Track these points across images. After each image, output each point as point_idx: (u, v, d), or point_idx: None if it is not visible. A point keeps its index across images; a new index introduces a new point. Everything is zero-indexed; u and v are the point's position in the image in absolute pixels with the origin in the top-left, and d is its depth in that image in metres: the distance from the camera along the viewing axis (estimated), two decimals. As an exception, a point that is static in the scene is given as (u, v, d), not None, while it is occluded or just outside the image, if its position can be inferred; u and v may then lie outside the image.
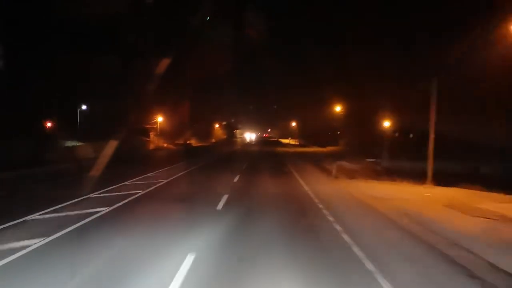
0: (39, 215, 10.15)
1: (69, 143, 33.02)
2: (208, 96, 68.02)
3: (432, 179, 18.69)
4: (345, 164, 24.43)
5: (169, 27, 40.47)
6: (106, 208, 11.13)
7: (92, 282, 6.02)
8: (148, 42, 40.77)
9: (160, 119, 52.11)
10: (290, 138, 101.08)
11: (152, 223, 9.80)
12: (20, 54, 33.47)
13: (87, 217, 9.93)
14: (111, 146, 25.33)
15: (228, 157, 39.28)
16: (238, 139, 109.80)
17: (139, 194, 13.83)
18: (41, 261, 6.78)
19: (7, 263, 6.60)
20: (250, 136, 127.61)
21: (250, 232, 9.04)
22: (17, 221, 9.42)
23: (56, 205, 11.28)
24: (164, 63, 35.85)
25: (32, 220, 9.67)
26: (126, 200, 12.47)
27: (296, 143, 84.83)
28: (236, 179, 18.93)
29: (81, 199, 12.48)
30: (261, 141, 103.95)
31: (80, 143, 33.43)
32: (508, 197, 14.94)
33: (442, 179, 19.24)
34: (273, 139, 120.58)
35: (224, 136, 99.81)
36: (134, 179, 17.69)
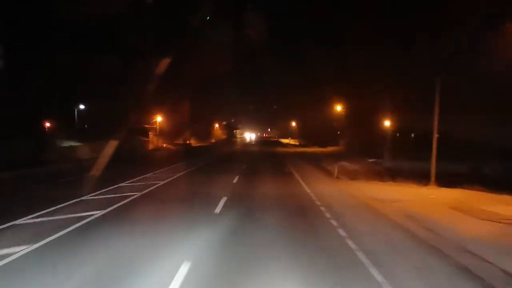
0: (30, 218, 9.60)
1: (67, 143, 32.51)
2: (208, 96, 67.47)
3: (435, 180, 18.13)
4: (346, 164, 23.84)
5: (169, 27, 40.08)
6: (99, 211, 10.55)
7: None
8: (148, 42, 40.41)
9: (159, 119, 51.49)
10: (290, 138, 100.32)
11: (145, 228, 9.14)
12: (20, 54, 33.21)
13: (77, 222, 9.35)
14: (110, 146, 24.91)
15: (228, 157, 38.69)
16: (238, 139, 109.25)
17: (135, 196, 13.26)
18: (19, 273, 6.24)
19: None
20: (250, 136, 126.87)
21: (249, 238, 8.45)
22: (5, 225, 8.90)
23: (49, 208, 10.76)
24: (164, 63, 35.43)
25: (21, 224, 9.11)
26: (121, 203, 11.87)
27: (296, 143, 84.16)
28: (235, 180, 18.35)
29: (75, 201, 11.94)
30: (261, 141, 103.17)
31: (78, 143, 32.91)
32: (514, 199, 14.39)
33: (445, 180, 18.70)
34: (273, 139, 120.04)
35: (224, 136, 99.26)
36: (131, 180, 17.13)
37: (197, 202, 12.61)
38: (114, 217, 10.11)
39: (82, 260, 6.78)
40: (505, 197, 14.61)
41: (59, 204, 11.28)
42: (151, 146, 48.34)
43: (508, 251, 7.88)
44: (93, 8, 29.08)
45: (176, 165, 25.61)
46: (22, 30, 34.71)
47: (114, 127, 28.03)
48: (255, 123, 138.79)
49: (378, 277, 6.23)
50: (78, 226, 9.00)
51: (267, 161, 33.35)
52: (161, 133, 52.75)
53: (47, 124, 38.21)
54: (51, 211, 10.50)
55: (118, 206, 11.40)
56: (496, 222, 10.38)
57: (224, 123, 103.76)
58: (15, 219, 9.36)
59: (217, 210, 11.22)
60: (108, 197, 12.81)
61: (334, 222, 10.01)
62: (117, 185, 15.55)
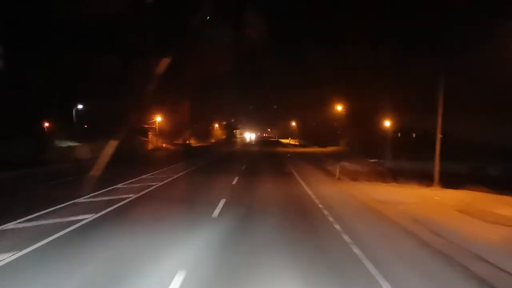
0: (19, 223, 9.04)
1: (64, 143, 32.02)
2: (208, 96, 66.93)
3: (438, 181, 17.61)
4: (347, 165, 23.26)
5: (169, 27, 39.67)
6: (92, 215, 9.95)
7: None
8: (148, 42, 39.94)
9: (158, 119, 50.87)
10: (290, 138, 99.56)
11: (136, 235, 8.42)
12: (20, 54, 32.88)
13: (67, 227, 8.72)
14: (109, 146, 24.43)
15: (227, 157, 38.07)
16: (238, 139, 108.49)
17: (130, 198, 12.64)
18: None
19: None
20: (250, 136, 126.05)
21: (248, 245, 7.90)
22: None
23: (40, 211, 10.20)
24: (164, 63, 34.98)
25: (11, 229, 8.56)
26: (115, 206, 11.23)
27: (296, 143, 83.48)
28: (234, 181, 17.70)
29: (68, 204, 11.33)
30: (261, 141, 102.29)
31: (77, 144, 32.42)
32: (522, 201, 13.84)
33: (448, 181, 18.18)
34: (273, 139, 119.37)
35: (224, 136, 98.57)
36: (127, 181, 16.52)
37: (195, 205, 11.95)
38: (104, 222, 9.47)
39: (69, 270, 6.25)
40: (511, 199, 14.07)
41: (50, 207, 10.69)
42: (150, 146, 47.75)
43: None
44: (93, 8, 28.83)
45: (174, 165, 25.03)
46: (22, 30, 34.40)
47: (113, 127, 27.59)
48: (255, 123, 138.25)
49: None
50: (64, 233, 8.29)
51: (267, 161, 32.76)
52: (161, 133, 52.12)
53: (46, 124, 37.79)
54: (40, 215, 9.91)
55: (112, 210, 10.78)
56: (507, 226, 9.85)
57: (224, 123, 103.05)
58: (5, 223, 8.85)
59: (215, 213, 10.60)
60: (103, 200, 12.22)
61: (337, 226, 9.46)
62: (113, 187, 14.95)
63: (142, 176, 18.36)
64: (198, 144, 64.09)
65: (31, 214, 9.73)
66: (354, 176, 19.97)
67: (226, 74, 63.69)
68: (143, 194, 13.59)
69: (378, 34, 41.83)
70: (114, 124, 28.25)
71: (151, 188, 14.95)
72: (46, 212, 10.15)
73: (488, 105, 34.78)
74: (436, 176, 17.60)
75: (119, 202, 11.87)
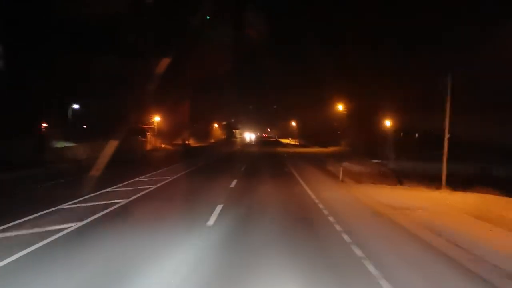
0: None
1: (61, 144, 31.02)
2: (208, 96, 65.79)
3: (446, 183, 16.55)
4: (349, 166, 22.12)
5: (169, 27, 38.87)
6: (75, 224, 8.81)
7: None
8: (148, 42, 39.07)
9: (157, 119, 49.67)
10: (290, 138, 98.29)
11: (120, 250, 7.16)
12: (20, 54, 32.06)
13: (47, 237, 7.62)
14: (106, 146, 23.43)
15: (227, 158, 36.91)
16: (238, 139, 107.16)
17: (120, 204, 11.44)
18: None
19: None
20: (249, 136, 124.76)
21: (246, 258, 6.82)
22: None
23: (20, 219, 9.13)
24: (163, 63, 34.13)
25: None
26: (102, 213, 10.07)
27: (296, 143, 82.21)
28: (233, 184, 16.44)
29: (51, 211, 10.19)
30: (260, 141, 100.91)
31: (74, 144, 31.40)
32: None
33: (456, 183, 17.15)
34: (273, 139, 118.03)
35: (223, 136, 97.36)
36: (121, 184, 15.36)
37: (189, 212, 10.76)
38: (86, 232, 8.37)
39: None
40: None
41: (33, 214, 9.60)
42: (149, 147, 46.58)
43: None
44: (93, 8, 28.27)
45: (171, 166, 23.89)
46: (22, 30, 33.61)
47: (112, 127, 26.67)
48: (255, 123, 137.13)
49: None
50: (42, 245, 7.18)
51: (267, 162, 31.60)
52: (160, 133, 50.93)
53: (44, 124, 36.96)
54: (19, 223, 8.83)
55: (97, 217, 9.60)
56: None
57: (224, 123, 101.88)
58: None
59: (210, 222, 9.42)
60: (89, 206, 11.04)
61: (346, 237, 8.31)
62: (105, 190, 13.80)
63: (135, 179, 17.13)
64: (197, 144, 62.87)
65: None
66: (358, 178, 18.85)
67: (226, 74, 62.63)
68: (134, 199, 12.44)
69: (378, 34, 40.97)
70: (113, 124, 27.39)
71: (144, 192, 13.80)
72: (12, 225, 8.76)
73: (488, 105, 33.95)
74: (444, 178, 16.52)
75: (107, 208, 10.74)
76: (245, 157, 37.33)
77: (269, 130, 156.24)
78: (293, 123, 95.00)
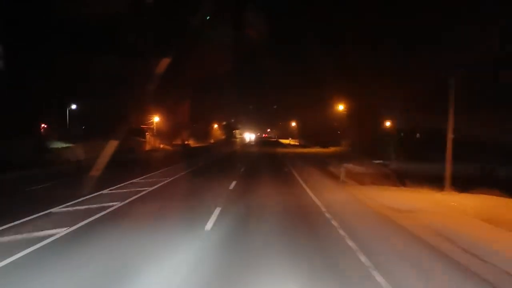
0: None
1: (58, 144, 30.68)
2: (208, 96, 65.43)
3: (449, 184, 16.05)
4: (351, 167, 21.60)
5: (169, 27, 38.54)
6: (64, 229, 8.31)
7: None
8: (148, 42, 38.77)
9: (156, 119, 49.21)
10: (290, 138, 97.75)
11: (109, 260, 6.58)
12: (20, 54, 31.97)
13: (33, 244, 7.17)
14: (105, 147, 22.97)
15: (226, 158, 36.39)
16: (237, 139, 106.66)
17: (113, 207, 10.93)
18: None
19: None
20: (249, 136, 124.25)
21: (246, 266, 6.33)
22: None
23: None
24: (163, 63, 33.71)
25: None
26: (94, 217, 9.56)
27: (296, 143, 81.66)
28: (232, 186, 15.86)
29: (41, 215, 9.73)
30: (260, 142, 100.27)
31: (70, 144, 31.05)
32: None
33: (459, 184, 16.62)
34: (273, 140, 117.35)
35: (223, 137, 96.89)
36: (115, 186, 14.85)
37: (186, 215, 10.24)
38: (77, 238, 7.91)
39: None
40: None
41: (24, 218, 9.18)
42: (148, 147, 46.15)
43: None
44: (93, 8, 28.04)
45: (170, 167, 23.37)
46: (22, 30, 33.43)
47: (111, 127, 26.32)
48: (255, 123, 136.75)
49: None
50: (27, 253, 6.77)
51: (267, 163, 31.06)
52: (159, 134, 50.47)
53: (43, 125, 36.71)
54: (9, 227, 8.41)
55: (87, 223, 9.08)
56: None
57: (224, 123, 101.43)
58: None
59: (208, 226, 8.93)
60: (82, 209, 10.58)
61: (350, 243, 7.79)
62: (99, 192, 13.34)
63: (132, 180, 16.65)
64: (197, 145, 62.42)
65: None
66: (360, 180, 18.31)
67: (226, 74, 62.30)
68: (129, 202, 11.94)
69: (378, 34, 40.50)
70: (113, 125, 27.05)
71: (140, 194, 13.31)
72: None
73: (488, 104, 33.59)
74: (448, 179, 16.02)
75: (100, 211, 10.26)
76: (244, 158, 36.83)
77: (269, 130, 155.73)
78: (293, 123, 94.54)
